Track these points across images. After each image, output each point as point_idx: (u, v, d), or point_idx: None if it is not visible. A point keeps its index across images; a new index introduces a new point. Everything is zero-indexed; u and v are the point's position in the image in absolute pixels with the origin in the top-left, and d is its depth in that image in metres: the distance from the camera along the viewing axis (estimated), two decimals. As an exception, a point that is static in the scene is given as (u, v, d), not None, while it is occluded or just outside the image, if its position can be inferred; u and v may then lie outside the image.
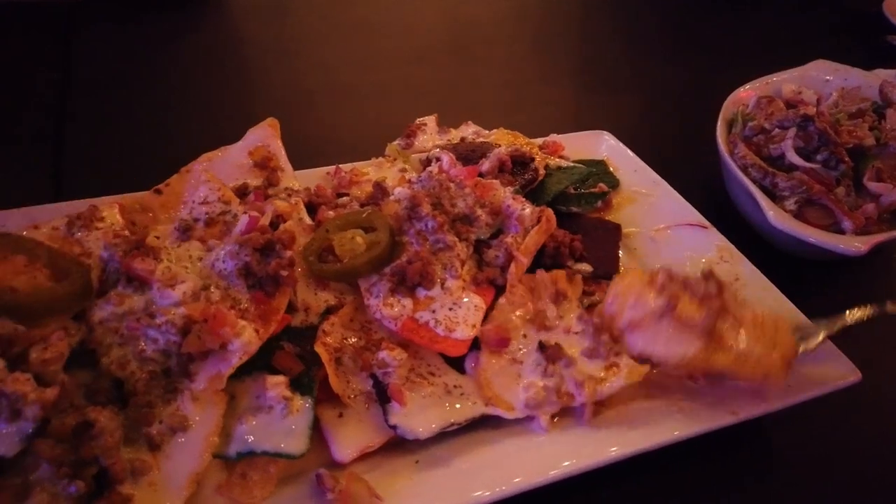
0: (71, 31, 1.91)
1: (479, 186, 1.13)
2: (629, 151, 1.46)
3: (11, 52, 1.79)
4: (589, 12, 2.48)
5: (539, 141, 1.44)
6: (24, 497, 0.80)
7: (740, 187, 1.35)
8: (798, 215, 1.30)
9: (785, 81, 1.66)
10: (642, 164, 1.43)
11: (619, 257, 1.23)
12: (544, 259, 1.12)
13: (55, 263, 0.98)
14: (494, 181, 1.17)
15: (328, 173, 1.31)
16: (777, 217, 1.26)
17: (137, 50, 1.94)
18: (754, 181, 1.35)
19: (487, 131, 1.60)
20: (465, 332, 0.99)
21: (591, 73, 2.11)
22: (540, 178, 1.26)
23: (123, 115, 1.66)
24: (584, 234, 1.19)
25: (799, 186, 1.32)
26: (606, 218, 1.34)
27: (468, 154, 1.29)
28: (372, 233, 1.06)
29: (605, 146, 1.50)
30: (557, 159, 1.37)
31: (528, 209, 1.11)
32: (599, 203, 1.33)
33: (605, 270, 1.16)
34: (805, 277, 1.34)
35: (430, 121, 1.63)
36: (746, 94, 1.63)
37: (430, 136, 1.58)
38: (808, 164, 1.35)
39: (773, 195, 1.35)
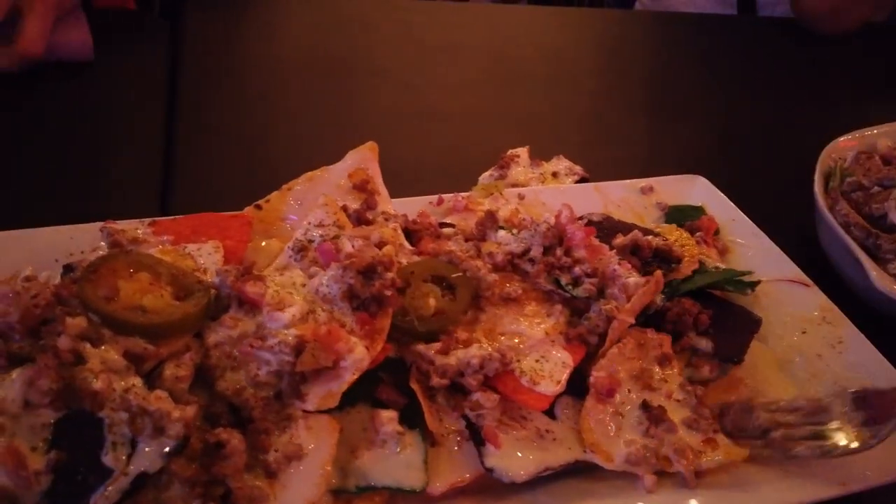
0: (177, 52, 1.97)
1: (589, 247, 1.12)
2: (726, 199, 1.44)
3: (120, 66, 1.84)
4: (677, 46, 2.45)
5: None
6: (157, 513, 0.83)
7: (841, 246, 1.32)
8: (902, 280, 1.28)
9: (881, 135, 1.63)
10: (740, 213, 1.40)
11: (748, 347, 1.14)
12: (665, 325, 1.10)
13: (177, 281, 1.00)
14: (604, 245, 1.16)
15: (431, 202, 1.33)
16: (880, 280, 1.24)
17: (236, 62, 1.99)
18: (855, 240, 1.33)
19: (580, 167, 1.61)
20: (549, 388, 0.99)
21: (678, 107, 2.09)
22: (681, 277, 1.18)
23: (222, 133, 1.71)
24: (717, 313, 1.14)
25: (904, 250, 1.30)
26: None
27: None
28: (448, 295, 1.07)
29: (699, 191, 1.48)
30: (715, 256, 1.31)
31: (633, 278, 1.09)
32: (749, 292, 1.24)
33: (727, 354, 1.11)
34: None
35: (523, 153, 1.63)
36: (844, 145, 1.60)
37: (523, 168, 1.59)
38: (914, 227, 1.33)
39: (876, 257, 1.32)
